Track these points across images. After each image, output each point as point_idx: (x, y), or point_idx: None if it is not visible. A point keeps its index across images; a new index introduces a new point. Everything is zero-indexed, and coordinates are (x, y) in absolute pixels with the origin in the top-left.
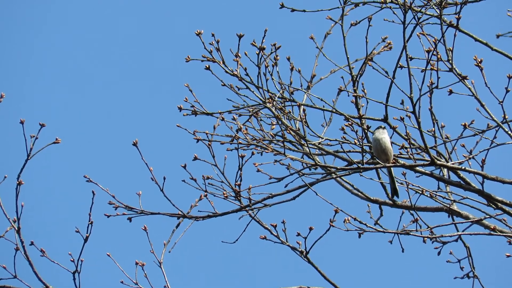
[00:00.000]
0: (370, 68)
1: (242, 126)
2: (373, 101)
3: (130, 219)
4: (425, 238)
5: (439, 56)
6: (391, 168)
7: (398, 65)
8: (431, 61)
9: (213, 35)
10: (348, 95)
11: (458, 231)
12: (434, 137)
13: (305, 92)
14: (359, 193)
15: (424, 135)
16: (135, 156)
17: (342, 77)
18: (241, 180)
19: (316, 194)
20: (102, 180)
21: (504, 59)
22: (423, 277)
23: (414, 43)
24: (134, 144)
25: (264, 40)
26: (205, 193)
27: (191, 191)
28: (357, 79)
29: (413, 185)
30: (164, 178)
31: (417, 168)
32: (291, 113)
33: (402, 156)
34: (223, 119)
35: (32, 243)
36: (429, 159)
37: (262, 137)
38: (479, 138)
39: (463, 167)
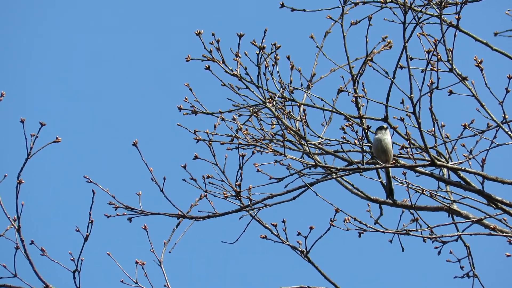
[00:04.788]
0: (370, 68)
1: (242, 126)
2: (373, 100)
3: (130, 219)
4: (425, 238)
5: (439, 56)
6: (389, 169)
7: (398, 66)
8: (431, 61)
9: (213, 34)
10: (349, 95)
11: (458, 231)
12: (434, 137)
13: (305, 92)
14: (359, 193)
15: (424, 135)
16: (135, 156)
17: (342, 77)
18: (241, 180)
19: (316, 195)
20: (102, 180)
21: (504, 59)
22: (423, 276)
23: (414, 43)
24: (134, 144)
25: (264, 40)
26: (205, 193)
27: (191, 191)
28: (357, 78)
29: (413, 185)
30: (164, 178)
31: (417, 168)
32: (291, 113)
33: (402, 156)
34: (223, 119)
35: (32, 242)
36: (429, 159)
37: (262, 136)
38: (479, 138)
39: (463, 168)
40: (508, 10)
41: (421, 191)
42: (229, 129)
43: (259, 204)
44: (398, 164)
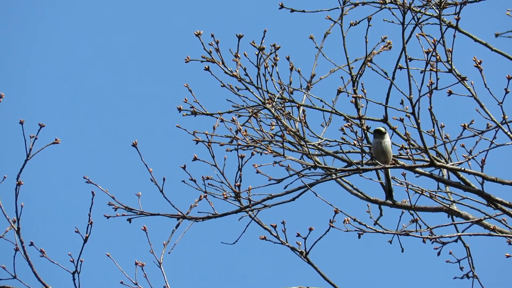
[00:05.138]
0: (369, 68)
1: (241, 127)
2: (372, 101)
3: (129, 220)
4: (425, 239)
5: (438, 57)
6: (388, 170)
7: (398, 66)
8: (430, 62)
9: (212, 35)
10: (348, 96)
11: (458, 231)
12: (434, 137)
13: (304, 93)
14: (359, 193)
15: (423, 136)
16: (135, 157)
17: (341, 77)
18: (240, 181)
19: (316, 195)
20: (101, 181)
21: (503, 59)
22: (423, 277)
23: (413, 44)
24: (134, 145)
25: (263, 41)
26: (205, 194)
27: (191, 192)
28: (357, 79)
29: (412, 185)
30: (164, 179)
31: (416, 169)
32: (291, 114)
33: (402, 156)
34: (222, 120)
35: (31, 244)
36: (429, 160)
37: (262, 137)
38: (478, 139)
39: (462, 168)
40: (508, 10)
41: (420, 192)
42: (229, 130)
43: (259, 205)
44: (398, 165)
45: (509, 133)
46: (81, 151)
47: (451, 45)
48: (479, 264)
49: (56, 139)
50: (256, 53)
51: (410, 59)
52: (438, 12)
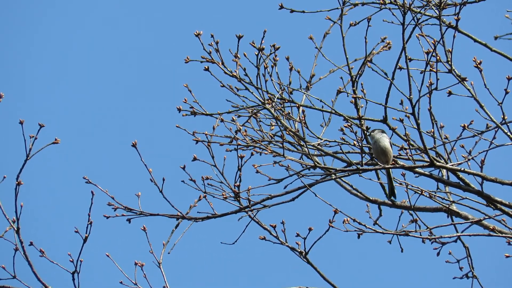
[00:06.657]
0: (369, 69)
1: (241, 127)
2: (372, 101)
3: (129, 220)
4: (424, 239)
5: (438, 57)
6: (390, 169)
7: (398, 66)
8: (430, 62)
9: (212, 36)
10: (348, 96)
11: (457, 231)
12: (434, 137)
13: (304, 93)
14: (358, 193)
15: (423, 136)
16: (135, 157)
17: (341, 78)
18: (240, 181)
19: (315, 195)
20: (101, 181)
21: (503, 60)
22: (422, 277)
23: (413, 44)
24: (134, 145)
25: (263, 41)
26: (204, 194)
27: (190, 192)
28: (356, 79)
29: (412, 186)
30: (163, 179)
31: (416, 169)
32: (290, 114)
33: (402, 157)
34: (222, 120)
35: (31, 244)
36: (429, 160)
37: (261, 137)
38: (478, 139)
39: (462, 168)
40: (508, 11)
41: (420, 192)
42: (228, 130)
43: (258, 205)
44: (397, 165)
45: (508, 133)
46: (81, 151)
47: (451, 46)
48: (478, 264)
49: (56, 139)
50: (256, 53)
51: (410, 60)
52: (438, 13)
